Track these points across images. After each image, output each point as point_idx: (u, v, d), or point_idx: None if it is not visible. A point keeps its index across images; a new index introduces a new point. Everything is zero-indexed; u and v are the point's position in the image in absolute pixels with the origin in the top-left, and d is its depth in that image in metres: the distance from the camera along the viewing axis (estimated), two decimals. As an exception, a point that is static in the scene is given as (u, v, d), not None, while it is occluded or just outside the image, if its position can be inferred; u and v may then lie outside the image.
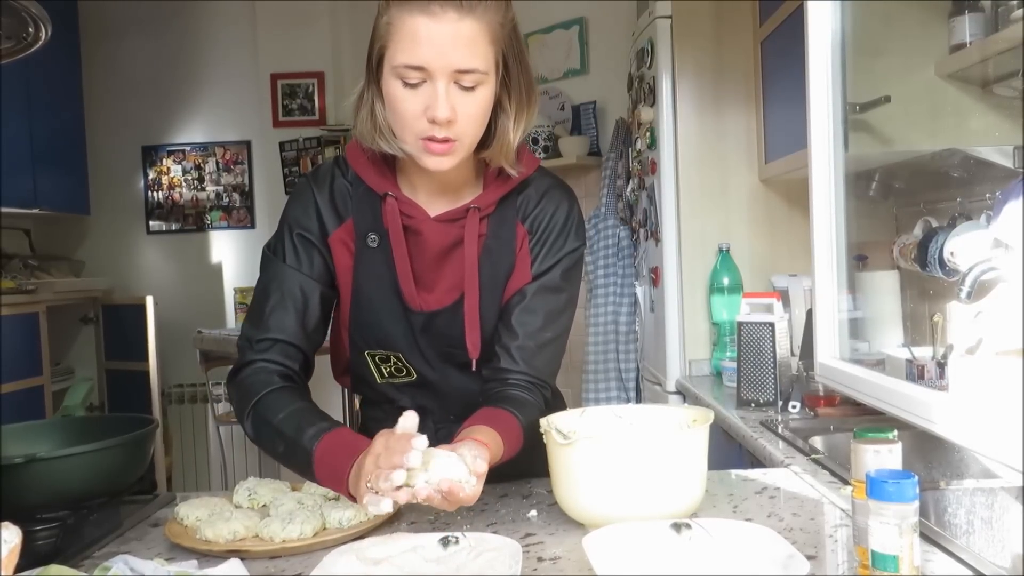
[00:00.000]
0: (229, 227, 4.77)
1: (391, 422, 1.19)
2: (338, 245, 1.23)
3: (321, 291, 1.23)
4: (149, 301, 4.13)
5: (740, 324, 2.06)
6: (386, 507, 0.95)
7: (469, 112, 1.09)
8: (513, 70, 1.14)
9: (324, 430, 1.09)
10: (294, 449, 1.10)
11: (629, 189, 3.07)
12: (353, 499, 1.03)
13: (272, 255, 1.24)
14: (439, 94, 1.05)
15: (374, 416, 1.37)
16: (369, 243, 1.22)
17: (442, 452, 1.00)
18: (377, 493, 0.96)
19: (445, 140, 1.09)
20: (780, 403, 1.97)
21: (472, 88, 1.07)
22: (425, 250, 1.22)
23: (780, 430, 1.77)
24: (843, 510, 1.15)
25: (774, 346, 1.99)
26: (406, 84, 1.07)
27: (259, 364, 1.19)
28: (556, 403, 1.32)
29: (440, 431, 1.27)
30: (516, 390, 1.21)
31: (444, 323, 1.24)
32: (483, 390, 1.24)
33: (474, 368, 1.26)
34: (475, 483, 0.99)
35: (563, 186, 1.29)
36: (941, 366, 1.68)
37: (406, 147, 1.13)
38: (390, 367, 1.28)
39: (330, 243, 1.23)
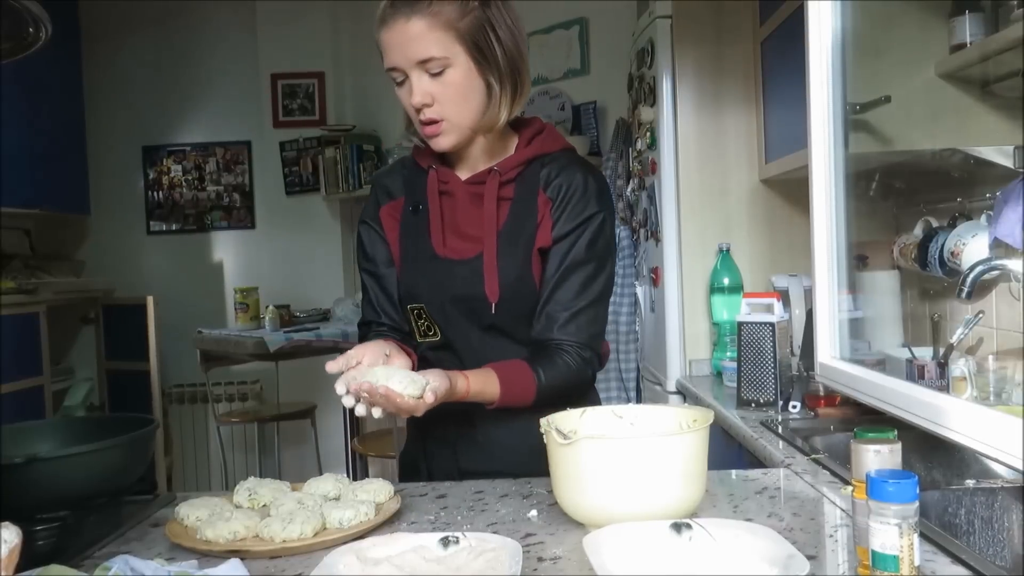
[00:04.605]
0: (229, 227, 4.77)
1: None
2: (387, 217, 1.44)
3: (390, 272, 1.43)
4: (149, 301, 4.14)
5: (740, 324, 2.06)
6: (347, 402, 1.18)
7: (443, 94, 1.28)
8: (487, 49, 1.28)
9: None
10: None
11: (629, 189, 3.07)
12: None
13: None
14: (412, 84, 1.27)
15: None
16: (411, 211, 1.42)
17: (390, 368, 1.18)
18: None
19: (431, 121, 1.29)
20: (780, 403, 1.96)
21: (440, 73, 1.26)
22: (456, 208, 1.38)
23: (780, 430, 1.77)
24: (843, 510, 1.15)
25: (774, 346, 1.99)
26: (397, 84, 1.30)
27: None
28: (591, 397, 1.44)
29: None
30: (549, 351, 1.33)
31: (465, 274, 1.35)
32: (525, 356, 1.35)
33: (499, 328, 1.35)
34: (419, 393, 1.15)
35: (588, 163, 1.43)
36: (941, 366, 1.68)
37: (420, 134, 1.34)
38: (423, 324, 1.40)
39: (380, 215, 1.44)
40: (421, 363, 1.38)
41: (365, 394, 1.15)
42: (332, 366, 1.20)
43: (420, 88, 1.26)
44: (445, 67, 1.26)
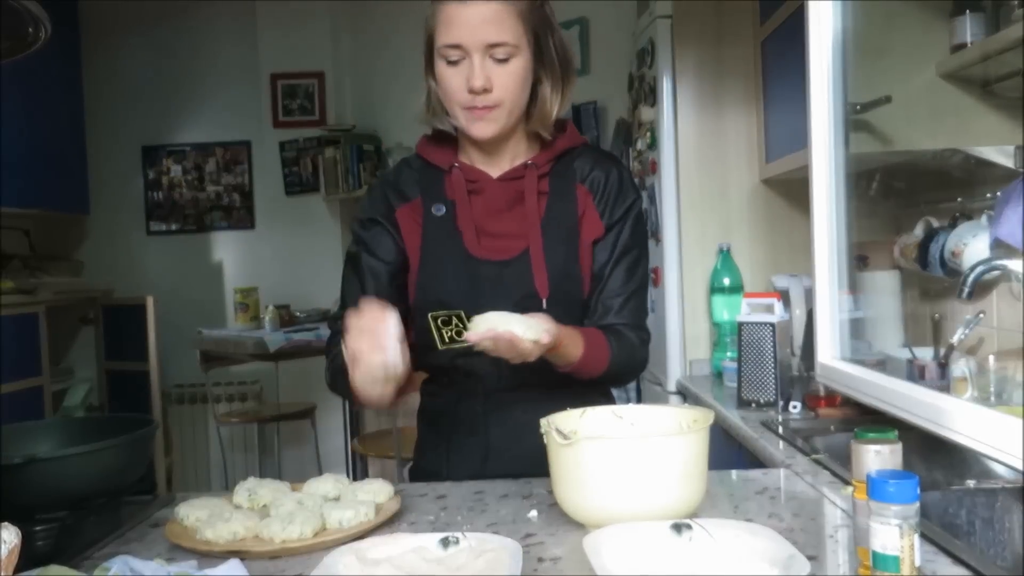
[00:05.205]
0: (229, 227, 4.76)
1: (449, 391, 1.30)
2: (405, 219, 1.37)
3: (389, 270, 1.37)
4: (149, 301, 4.12)
5: (741, 324, 2.06)
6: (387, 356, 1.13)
7: (504, 81, 1.25)
8: (546, 46, 1.30)
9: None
10: (335, 371, 1.29)
11: (629, 189, 3.07)
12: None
13: (352, 246, 1.41)
14: (475, 67, 1.24)
15: (430, 391, 1.43)
16: (435, 212, 1.36)
17: (502, 314, 1.15)
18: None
19: (484, 107, 1.26)
20: (781, 403, 1.96)
21: (506, 60, 1.25)
22: (489, 207, 1.35)
23: (780, 430, 1.77)
24: (844, 511, 1.15)
25: (775, 346, 1.99)
26: (449, 63, 1.26)
27: (338, 336, 1.30)
28: (606, 398, 1.41)
29: (490, 398, 1.33)
30: (613, 328, 1.34)
31: (513, 274, 1.33)
32: None
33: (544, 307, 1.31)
34: (537, 337, 1.13)
35: (612, 155, 1.50)
36: (942, 366, 1.68)
37: (455, 120, 1.31)
38: (451, 330, 1.31)
39: (397, 218, 1.37)
40: (452, 371, 1.36)
41: (489, 341, 1.13)
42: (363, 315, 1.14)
43: (483, 72, 1.24)
44: (511, 55, 1.25)
